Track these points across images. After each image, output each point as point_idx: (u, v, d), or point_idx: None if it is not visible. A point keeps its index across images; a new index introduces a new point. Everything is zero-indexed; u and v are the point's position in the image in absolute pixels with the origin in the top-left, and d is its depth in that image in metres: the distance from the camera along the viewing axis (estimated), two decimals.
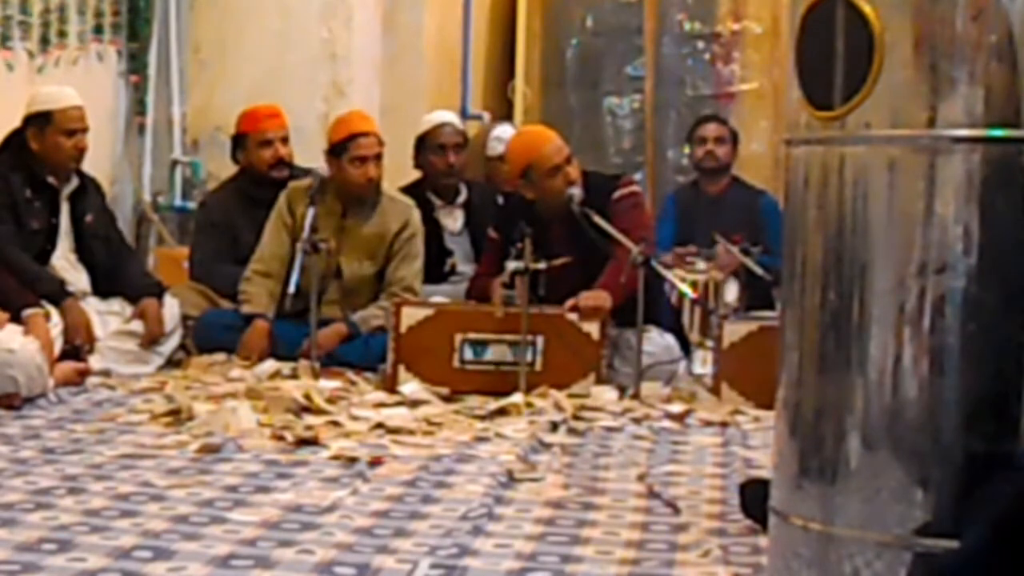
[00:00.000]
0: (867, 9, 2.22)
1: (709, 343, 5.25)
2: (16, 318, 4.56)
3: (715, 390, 4.81)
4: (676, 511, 3.16)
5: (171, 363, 5.27)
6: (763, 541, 2.69)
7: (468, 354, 4.80)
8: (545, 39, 8.44)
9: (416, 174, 6.16)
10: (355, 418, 4.17)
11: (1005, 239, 2.19)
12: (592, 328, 4.80)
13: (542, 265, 4.71)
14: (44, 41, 6.12)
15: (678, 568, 2.70)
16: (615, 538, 2.91)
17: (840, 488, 2.27)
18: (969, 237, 2.19)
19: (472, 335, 4.80)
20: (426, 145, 6.00)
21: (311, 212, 5.03)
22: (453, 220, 5.97)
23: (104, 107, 6.51)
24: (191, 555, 2.65)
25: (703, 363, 5.31)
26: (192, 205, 6.77)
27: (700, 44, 8.24)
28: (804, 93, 2.34)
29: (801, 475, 2.34)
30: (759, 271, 5.70)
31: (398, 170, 7.05)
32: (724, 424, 4.40)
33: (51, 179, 5.17)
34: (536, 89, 8.41)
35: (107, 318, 5.19)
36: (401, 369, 4.78)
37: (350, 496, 3.20)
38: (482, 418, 4.32)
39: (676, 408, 4.54)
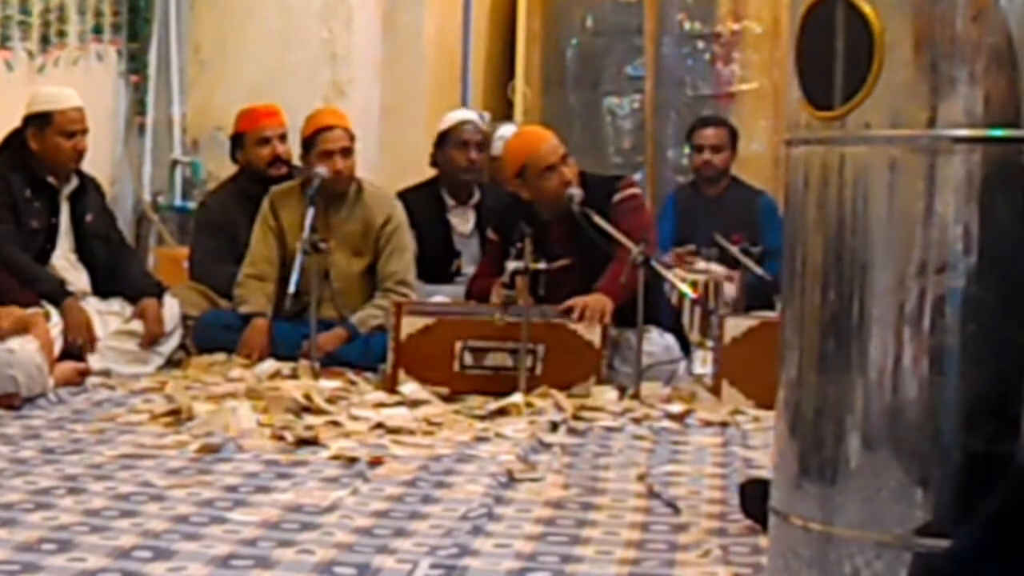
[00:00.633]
0: (867, 9, 2.22)
1: (709, 343, 5.25)
2: None
3: (715, 390, 4.81)
4: (676, 511, 3.16)
5: (171, 363, 5.27)
6: (763, 541, 2.70)
7: (468, 360, 4.79)
8: (545, 39, 8.44)
9: (418, 174, 6.16)
10: (355, 418, 4.17)
11: (1005, 239, 2.19)
12: (593, 336, 4.79)
13: (542, 265, 4.70)
14: (44, 41, 6.12)
15: (678, 568, 2.70)
16: (615, 538, 2.91)
17: (840, 488, 2.27)
18: (969, 237, 2.19)
19: (472, 342, 4.78)
20: (448, 142, 5.96)
21: (311, 212, 5.03)
22: (464, 221, 5.95)
23: (104, 107, 6.51)
24: (191, 555, 2.65)
25: (703, 363, 5.31)
26: (192, 205, 6.77)
27: (700, 44, 8.24)
28: (804, 93, 2.34)
29: (801, 475, 2.34)
30: (759, 271, 5.71)
31: (399, 169, 7.06)
32: (724, 424, 4.39)
33: (51, 179, 5.17)
34: (536, 89, 8.41)
35: (107, 318, 5.19)
36: (401, 373, 4.77)
37: (350, 496, 3.20)
38: (482, 418, 4.32)
39: (676, 408, 4.54)
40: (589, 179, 5.09)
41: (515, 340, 4.70)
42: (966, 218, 2.19)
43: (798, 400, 2.36)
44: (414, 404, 4.45)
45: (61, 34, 6.23)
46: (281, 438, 3.87)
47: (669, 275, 5.01)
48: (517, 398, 4.50)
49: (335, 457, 3.66)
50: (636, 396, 4.70)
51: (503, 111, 8.32)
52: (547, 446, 3.93)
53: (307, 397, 4.28)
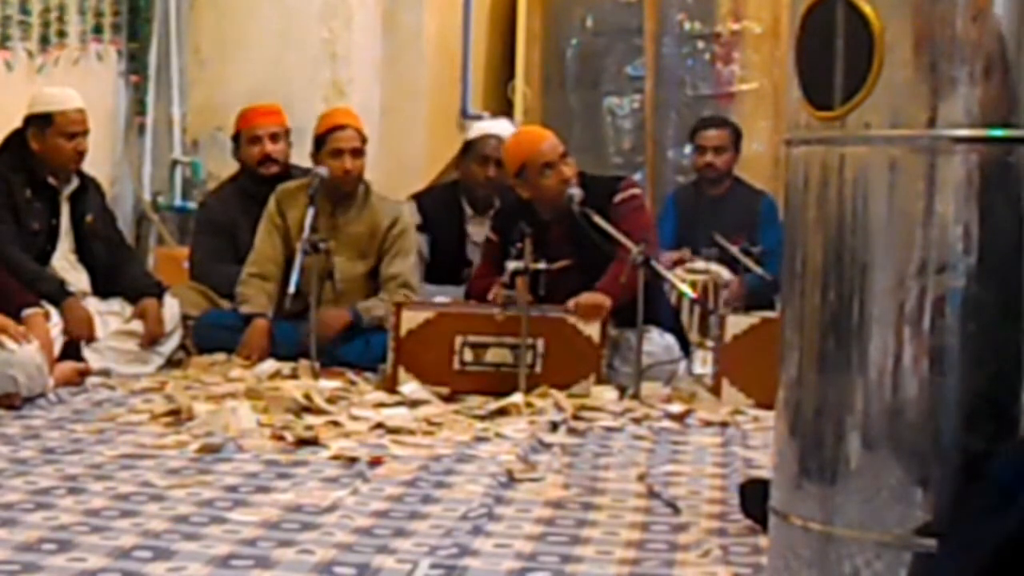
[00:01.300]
0: (867, 9, 2.22)
1: (709, 343, 5.25)
2: (16, 318, 4.55)
3: (715, 390, 4.81)
4: (676, 511, 3.16)
5: (171, 363, 5.27)
6: (763, 541, 2.70)
7: (468, 356, 4.80)
8: (545, 39, 8.43)
9: (418, 174, 6.15)
10: (355, 418, 4.17)
11: (1005, 239, 2.19)
12: (592, 331, 4.80)
13: (542, 265, 4.71)
14: (44, 41, 6.12)
15: (678, 568, 2.70)
16: (615, 538, 2.91)
17: (840, 488, 2.27)
18: (969, 237, 2.19)
19: (472, 338, 4.79)
20: (471, 153, 5.89)
21: (311, 212, 5.03)
22: (481, 231, 5.88)
23: (104, 107, 6.50)
24: (191, 555, 2.65)
25: (703, 363, 5.31)
26: (192, 205, 6.77)
27: (700, 44, 8.24)
28: (804, 93, 2.34)
29: (801, 475, 2.34)
30: (759, 271, 5.71)
31: (399, 169, 7.06)
32: (724, 424, 4.39)
33: (51, 179, 5.17)
34: (536, 89, 8.41)
35: (107, 318, 5.19)
36: (401, 370, 4.78)
37: (350, 496, 3.20)
38: (482, 418, 4.32)
39: (676, 408, 4.54)
40: (589, 180, 5.08)
41: (515, 335, 4.71)
42: (966, 218, 2.19)
43: (798, 400, 2.36)
44: (414, 404, 4.46)
45: (61, 34, 6.22)
46: (281, 438, 3.87)
47: (669, 275, 5.01)
48: (517, 398, 4.50)
49: (335, 457, 3.66)
50: (636, 396, 4.70)
51: (503, 111, 8.32)
52: (547, 446, 3.93)
53: (307, 397, 4.28)
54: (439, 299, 5.21)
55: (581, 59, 8.40)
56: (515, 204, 5.19)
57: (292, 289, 4.84)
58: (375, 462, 3.60)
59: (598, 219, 4.86)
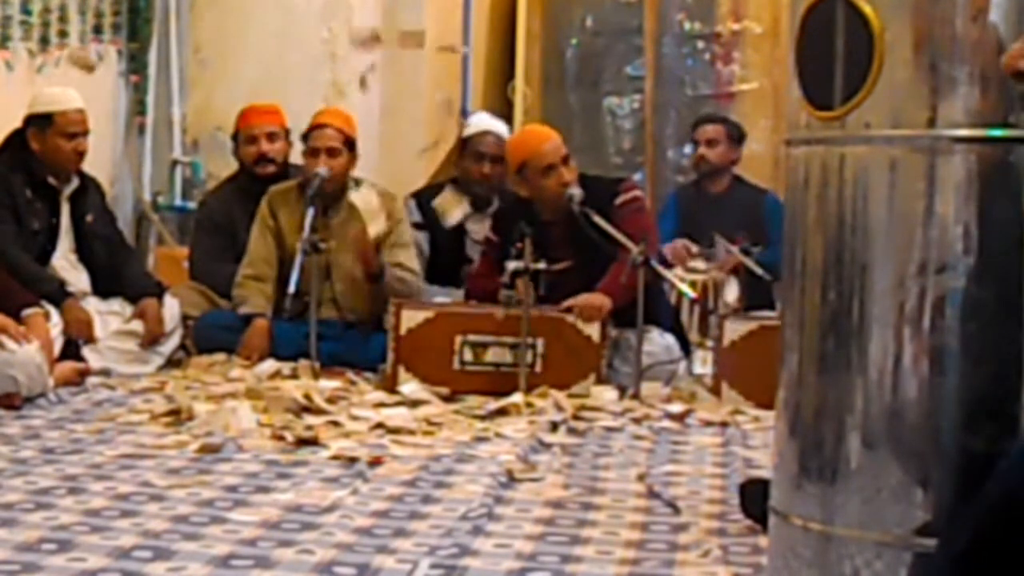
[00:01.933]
0: (867, 9, 2.22)
1: (709, 343, 5.25)
2: (16, 318, 4.55)
3: (715, 390, 4.81)
4: (676, 511, 3.16)
5: (171, 363, 5.27)
6: (763, 541, 2.69)
7: (468, 355, 4.80)
8: (545, 39, 8.43)
9: (417, 174, 6.15)
10: (355, 418, 4.17)
11: (1005, 239, 2.19)
12: (592, 331, 4.80)
13: (542, 265, 4.70)
14: (44, 41, 6.12)
15: (678, 568, 2.70)
16: (615, 538, 2.91)
17: (840, 488, 2.27)
18: (969, 237, 2.19)
19: (472, 337, 4.79)
20: (467, 149, 5.88)
21: (311, 212, 5.02)
22: (481, 229, 5.86)
23: (104, 107, 6.51)
24: (191, 555, 2.65)
25: (703, 363, 5.31)
26: (192, 205, 6.77)
27: (700, 44, 8.23)
28: (804, 93, 2.34)
29: (801, 475, 2.34)
30: (759, 271, 5.70)
31: (399, 169, 7.05)
32: (724, 424, 4.40)
33: (51, 179, 5.17)
34: (536, 89, 8.41)
35: (107, 318, 5.19)
36: (401, 370, 4.78)
37: (350, 496, 3.20)
38: (482, 418, 4.32)
39: (676, 408, 4.54)
40: (589, 181, 5.07)
41: (515, 335, 4.71)
42: (966, 218, 2.19)
43: (798, 400, 2.36)
44: (414, 404, 4.46)
45: (61, 34, 6.23)
46: (281, 438, 3.87)
47: (669, 275, 5.01)
48: (517, 398, 4.50)
49: (335, 457, 3.66)
50: (636, 396, 4.70)
51: (503, 111, 8.32)
52: (547, 446, 3.93)
53: (307, 397, 4.28)
54: (439, 299, 5.21)
55: (581, 59, 8.39)
56: (515, 204, 5.19)
57: (292, 289, 4.83)
58: (375, 462, 3.60)
59: (598, 219, 4.86)
